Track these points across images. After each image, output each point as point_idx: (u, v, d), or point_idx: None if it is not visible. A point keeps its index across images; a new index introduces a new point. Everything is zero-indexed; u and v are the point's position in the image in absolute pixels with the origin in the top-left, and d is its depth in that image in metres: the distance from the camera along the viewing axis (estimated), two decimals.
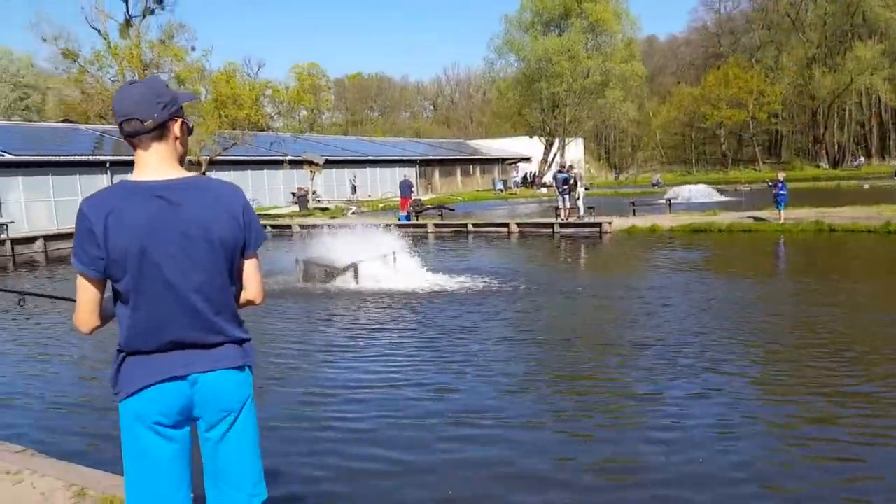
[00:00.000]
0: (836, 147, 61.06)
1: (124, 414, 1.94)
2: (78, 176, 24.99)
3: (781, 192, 17.16)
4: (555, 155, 49.61)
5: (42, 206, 24.05)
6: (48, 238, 20.68)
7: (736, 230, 17.14)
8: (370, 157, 42.53)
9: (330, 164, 35.70)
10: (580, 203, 20.52)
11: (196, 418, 2.00)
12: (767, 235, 16.31)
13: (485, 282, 11.04)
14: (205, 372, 1.95)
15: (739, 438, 4.35)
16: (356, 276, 11.33)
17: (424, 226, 21.41)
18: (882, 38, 54.02)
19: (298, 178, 34.51)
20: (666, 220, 19.08)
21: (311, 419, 4.89)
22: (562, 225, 19.45)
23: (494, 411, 4.96)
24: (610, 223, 18.71)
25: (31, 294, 3.52)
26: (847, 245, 14.38)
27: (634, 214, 21.19)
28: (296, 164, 31.42)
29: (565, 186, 20.04)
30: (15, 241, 19.92)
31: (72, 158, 25.03)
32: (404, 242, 12.99)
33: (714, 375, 5.65)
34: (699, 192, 30.51)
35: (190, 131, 2.05)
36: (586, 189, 24.07)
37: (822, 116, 59.65)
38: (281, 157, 27.76)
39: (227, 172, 32.08)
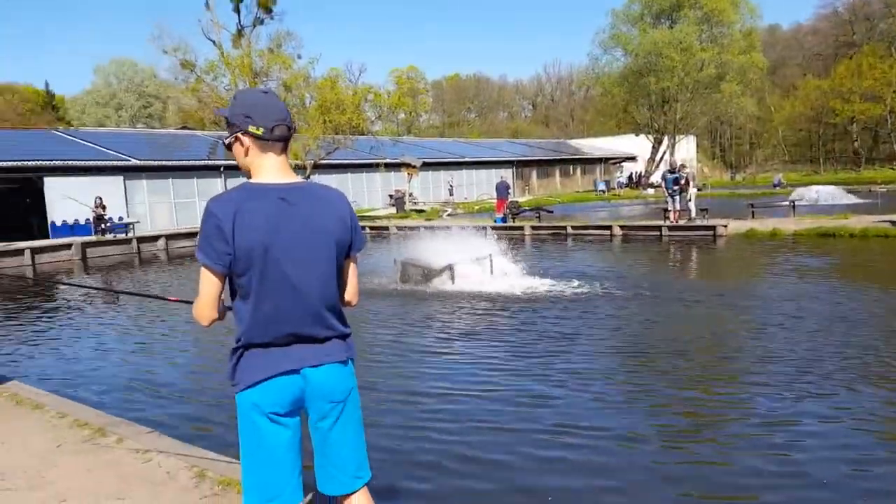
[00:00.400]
0: None
1: (242, 404, 2.10)
2: (195, 179, 27.48)
3: None
4: (663, 154, 47.99)
5: (164, 208, 26.62)
6: (169, 237, 22.95)
7: (871, 235, 15.80)
8: (466, 159, 42.97)
9: (427, 166, 36.45)
10: (692, 205, 19.73)
11: (306, 408, 2.17)
12: None
13: (585, 286, 10.88)
14: (315, 366, 2.11)
15: (871, 464, 4.09)
16: (452, 277, 11.54)
17: (521, 228, 21.36)
18: None
19: (396, 181, 35.51)
20: (789, 224, 17.96)
21: (403, 420, 5.07)
22: (671, 228, 18.79)
23: (593, 424, 4.90)
24: (725, 226, 17.87)
25: (126, 293, 3.94)
26: None
27: (753, 217, 20.15)
28: (393, 166, 32.33)
29: (676, 187, 19.31)
30: (140, 240, 22.20)
31: (190, 163, 27.51)
32: (500, 244, 13.07)
33: (845, 394, 5.31)
34: (827, 193, 28.52)
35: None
36: (699, 190, 23.11)
37: None
38: (378, 160, 28.74)
39: (329, 176, 33.62)
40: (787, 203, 23.22)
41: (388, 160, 30.46)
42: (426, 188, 38.87)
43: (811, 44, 77.13)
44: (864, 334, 7.14)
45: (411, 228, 22.13)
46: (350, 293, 2.27)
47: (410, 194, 33.61)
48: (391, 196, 34.07)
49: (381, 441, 4.46)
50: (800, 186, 32.59)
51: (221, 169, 27.80)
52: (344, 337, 2.21)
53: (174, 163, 26.94)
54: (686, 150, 56.02)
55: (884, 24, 66.30)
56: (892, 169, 54.26)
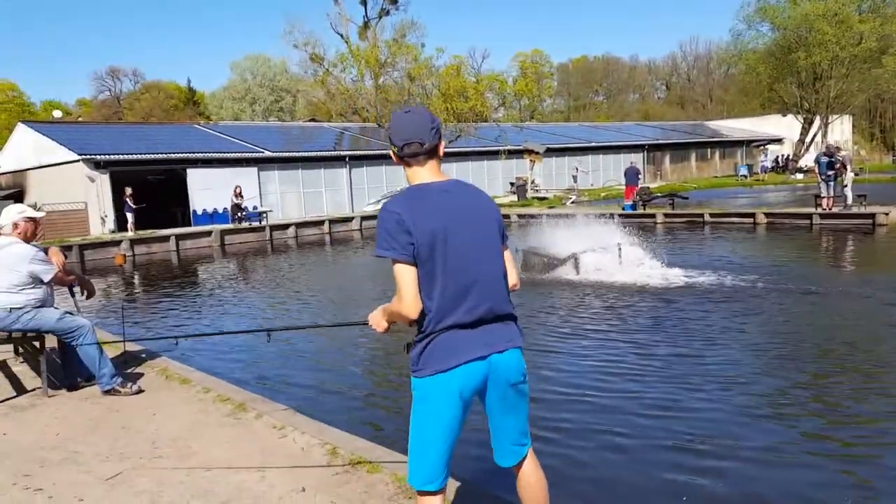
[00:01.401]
0: None
1: (427, 387, 2.27)
2: (322, 170, 28.82)
3: None
4: (814, 135, 44.21)
5: (293, 197, 28.19)
6: (298, 225, 24.15)
7: None
8: (592, 144, 41.85)
9: (550, 152, 35.87)
10: (848, 191, 18.02)
11: (486, 390, 2.34)
12: None
13: (725, 279, 10.22)
14: (501, 352, 2.31)
15: None
16: (577, 267, 11.29)
17: (652, 216, 20.52)
18: None
19: (518, 168, 35.27)
20: None
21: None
22: (823, 216, 17.31)
23: (732, 437, 4.47)
24: (886, 214, 16.23)
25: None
26: None
27: None
28: (515, 153, 32.11)
29: (830, 172, 17.72)
30: (273, 228, 23.53)
31: (317, 154, 28.89)
32: (629, 233, 12.61)
33: None
34: None
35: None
36: (856, 174, 21.05)
37: None
38: (500, 147, 28.65)
39: (449, 164, 34.06)
40: None
41: (510, 147, 30.29)
42: (549, 175, 38.30)
43: None
44: None
45: (533, 217, 21.93)
46: (514, 278, 2.47)
47: (533, 181, 33.26)
48: (512, 184, 33.91)
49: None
50: None
51: (347, 159, 29.03)
52: (515, 319, 2.42)
53: (303, 154, 28.41)
54: (841, 131, 51.23)
55: None
56: None
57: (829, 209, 17.61)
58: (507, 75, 29.53)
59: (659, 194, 25.15)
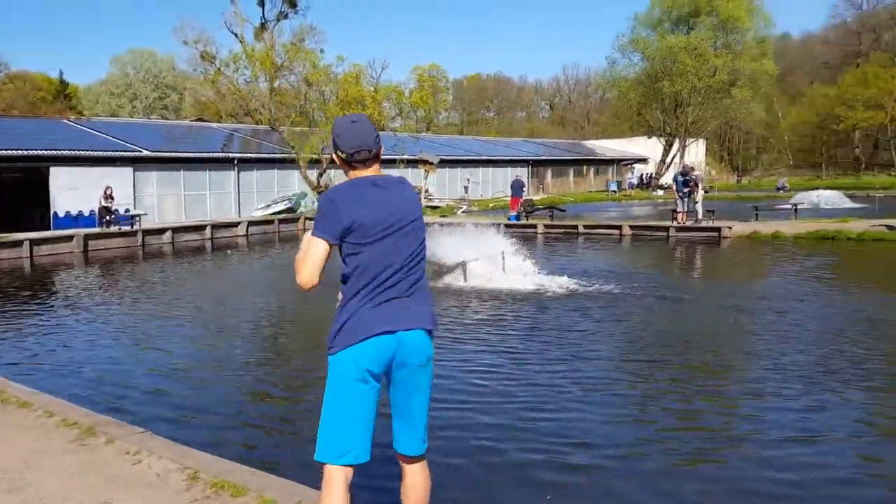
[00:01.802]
0: None
1: (338, 363, 2.31)
2: (208, 172, 25.97)
3: None
4: (674, 156, 47.24)
5: (173, 200, 24.90)
6: (176, 230, 21.21)
7: (868, 238, 15.53)
8: (483, 157, 42.48)
9: (444, 163, 36.02)
10: (699, 207, 19.26)
11: (393, 369, 2.36)
12: None
13: (594, 285, 10.51)
14: (408, 330, 2.33)
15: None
16: (464, 274, 11.21)
17: (534, 226, 20.98)
18: None
19: (413, 177, 35.15)
20: (790, 227, 17.58)
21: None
22: (678, 229, 18.36)
23: (600, 436, 4.53)
24: (730, 228, 17.48)
25: None
26: None
27: (757, 220, 19.65)
28: (411, 163, 31.91)
29: (686, 189, 18.89)
30: (146, 233, 20.50)
31: (202, 155, 25.88)
32: (513, 242, 12.72)
33: (837, 393, 4.97)
34: (828, 197, 28.09)
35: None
36: (706, 192, 22.60)
37: None
38: (397, 157, 28.20)
39: None
40: (790, 206, 22.73)
41: (406, 156, 30.02)
42: (442, 185, 38.49)
43: (820, 52, 75.62)
44: (855, 338, 6.73)
45: (426, 225, 21.77)
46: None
47: (426, 191, 33.23)
48: None
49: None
50: (802, 191, 32.00)
51: (235, 162, 26.77)
52: (429, 305, 2.45)
53: (186, 154, 25.37)
54: (696, 153, 55.08)
55: (889, 35, 64.92)
56: (890, 175, 53.11)
57: (683, 223, 18.72)
58: (405, 87, 29.12)
59: (541, 206, 25.82)
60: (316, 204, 29.68)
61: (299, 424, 4.72)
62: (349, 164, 2.43)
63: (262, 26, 26.67)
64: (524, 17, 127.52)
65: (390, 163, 32.53)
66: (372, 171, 2.46)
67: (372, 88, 27.44)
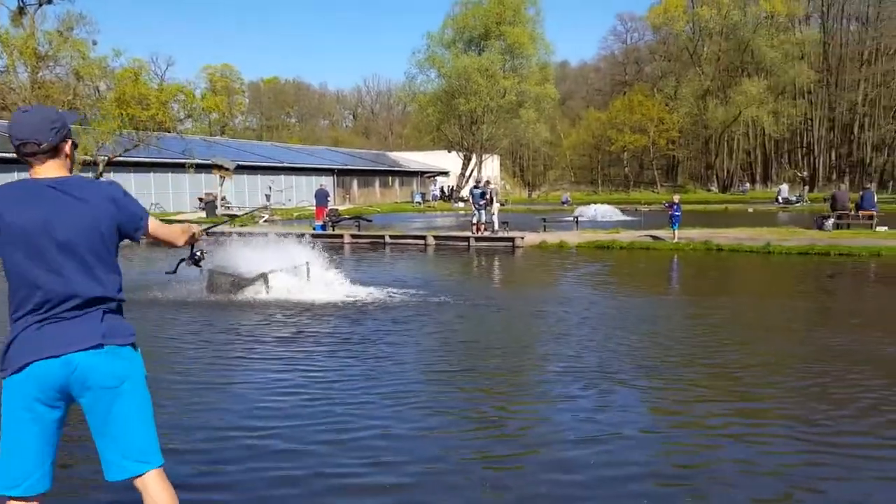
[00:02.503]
0: (726, 173, 65.33)
1: (6, 386, 2.14)
2: None
3: (676, 213, 17.95)
4: (472, 170, 50.12)
5: None
6: None
7: (636, 247, 17.80)
8: (285, 165, 41.31)
9: (242, 169, 34.33)
10: (495, 218, 20.68)
11: (74, 394, 2.21)
12: (663, 253, 17.00)
13: (401, 294, 10.69)
14: (82, 351, 2.15)
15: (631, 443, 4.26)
16: (266, 286, 10.73)
17: (340, 236, 20.85)
18: (767, 75, 58.40)
19: (207, 184, 32.97)
20: (573, 237, 19.52)
21: (181, 448, 4.40)
22: (477, 239, 19.50)
23: (404, 452, 4.55)
24: (522, 238, 18.95)
25: None
26: (731, 263, 15.25)
27: (545, 230, 21.57)
28: (204, 168, 29.89)
29: (483, 201, 20.19)
30: None
31: None
32: (319, 253, 12.49)
33: (614, 387, 5.61)
34: (604, 211, 31.58)
35: (75, 146, 2.37)
36: (501, 205, 24.35)
37: (713, 144, 63.71)
38: (187, 161, 26.17)
39: (128, 174, 30.19)
40: (572, 219, 25.33)
41: (198, 161, 28.01)
42: (241, 193, 36.62)
43: (594, 80, 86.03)
44: (628, 333, 7.73)
45: (223, 234, 20.54)
46: (166, 234, 2.52)
47: (223, 198, 31.36)
48: (201, 199, 31.59)
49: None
50: (582, 205, 35.67)
51: None
52: (111, 322, 2.24)
53: None
54: (491, 167, 59.10)
55: (649, 68, 75.98)
56: (653, 192, 61.99)
57: (481, 233, 19.97)
58: (194, 87, 27.08)
59: (347, 216, 25.76)
60: None
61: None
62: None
63: (21, 10, 23.20)
64: (322, 23, 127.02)
65: (180, 167, 30.18)
66: (54, 169, 2.22)
67: (156, 87, 25.16)
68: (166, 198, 33.42)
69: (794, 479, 3.99)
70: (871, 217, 19.72)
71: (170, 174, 32.87)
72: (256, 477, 3.97)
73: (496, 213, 20.82)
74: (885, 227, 18.90)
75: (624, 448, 4.44)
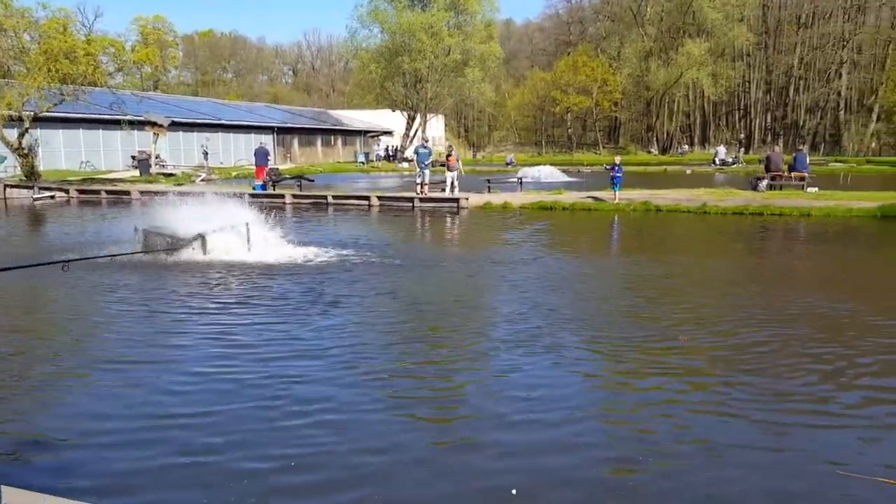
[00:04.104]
0: (666, 135, 66.95)
1: None
2: None
3: (617, 174, 18.40)
4: (416, 130, 49.71)
5: None
6: None
7: (578, 208, 18.26)
8: (223, 122, 40.00)
9: (177, 126, 33.09)
10: (456, 182, 20.66)
11: None
12: (604, 214, 17.53)
13: (343, 255, 10.78)
14: None
15: (568, 394, 4.61)
16: (204, 247, 10.59)
17: (282, 196, 20.55)
18: (708, 36, 59.62)
19: (140, 141, 31.70)
20: (517, 198, 19.82)
21: (132, 405, 4.48)
22: (422, 200, 19.57)
23: (342, 408, 4.74)
24: (467, 199, 19.13)
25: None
26: (669, 223, 15.89)
27: (489, 191, 21.82)
28: (137, 124, 28.65)
29: (427, 161, 20.21)
30: None
31: None
32: (259, 213, 12.35)
33: (556, 346, 5.94)
34: (547, 172, 31.94)
35: None
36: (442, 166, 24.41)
37: (654, 106, 64.98)
38: (118, 117, 25.00)
39: (56, 130, 28.74)
40: (516, 180, 25.65)
41: (130, 117, 26.80)
42: (176, 151, 35.33)
43: (538, 39, 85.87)
44: (567, 291, 8.12)
45: (158, 194, 19.93)
46: None
47: (157, 156, 30.23)
48: (134, 157, 30.41)
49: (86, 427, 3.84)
50: (526, 166, 35.99)
51: None
52: None
53: None
54: (436, 127, 58.73)
55: (593, 28, 76.37)
56: (596, 153, 63.14)
57: (425, 194, 20.04)
58: (125, 40, 25.75)
59: (288, 176, 25.30)
60: (18, 168, 24.80)
61: None
62: None
63: None
64: None
65: (112, 124, 28.82)
66: None
67: (84, 39, 23.78)
68: (97, 155, 32.00)
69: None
70: (802, 178, 20.54)
71: (101, 130, 31.43)
72: (176, 455, 3.91)
73: (455, 175, 20.75)
74: (816, 189, 19.84)
75: (564, 415, 4.53)
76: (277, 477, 3.62)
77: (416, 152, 21.44)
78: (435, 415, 4.55)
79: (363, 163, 44.66)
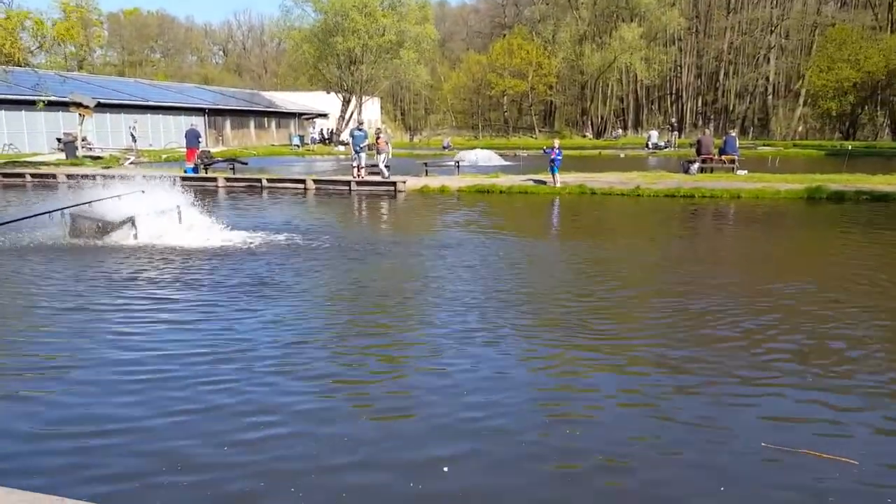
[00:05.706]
0: (600, 119, 68.71)
1: None
2: None
3: (557, 157, 18.84)
4: (352, 113, 49.26)
5: None
6: None
7: (515, 192, 18.67)
8: (151, 103, 38.64)
9: (103, 107, 31.83)
10: (382, 163, 20.77)
11: None
12: (540, 197, 18.06)
13: (278, 239, 10.91)
14: None
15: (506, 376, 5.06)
16: (135, 231, 10.53)
17: (214, 179, 20.28)
18: (641, 21, 61.25)
19: (65, 123, 30.39)
20: (454, 181, 20.08)
21: (36, 398, 4.63)
22: (358, 183, 19.70)
23: (272, 404, 4.90)
24: (404, 182, 19.34)
25: None
26: (604, 205, 16.54)
27: (427, 175, 22.07)
28: (61, 105, 27.45)
29: (363, 144, 20.28)
30: None
31: None
32: (190, 196, 12.29)
33: (497, 331, 6.39)
34: (484, 155, 32.21)
35: None
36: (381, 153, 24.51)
37: (589, 90, 66.51)
38: (40, 98, 23.91)
39: None
40: (454, 163, 26.00)
41: (53, 97, 25.64)
42: (103, 133, 33.98)
43: (474, 21, 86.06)
44: (505, 272, 8.60)
45: (85, 177, 19.30)
46: None
47: (84, 139, 29.05)
48: (59, 140, 29.18)
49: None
50: (463, 149, 36.30)
51: None
52: None
53: None
54: (372, 110, 58.27)
55: (528, 10, 77.08)
56: (532, 137, 64.23)
57: (362, 178, 20.16)
58: (47, 16, 24.43)
59: (220, 159, 24.86)
60: None
61: None
62: None
63: None
64: None
65: (33, 104, 27.50)
66: None
67: (2, 15, 22.56)
68: (21, 137, 30.53)
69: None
70: (732, 161, 21.48)
71: (24, 112, 30.00)
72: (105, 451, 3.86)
73: (386, 158, 20.87)
74: (745, 171, 20.83)
75: (506, 398, 4.65)
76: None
77: (351, 135, 21.49)
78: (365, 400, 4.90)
79: (298, 146, 44.02)
